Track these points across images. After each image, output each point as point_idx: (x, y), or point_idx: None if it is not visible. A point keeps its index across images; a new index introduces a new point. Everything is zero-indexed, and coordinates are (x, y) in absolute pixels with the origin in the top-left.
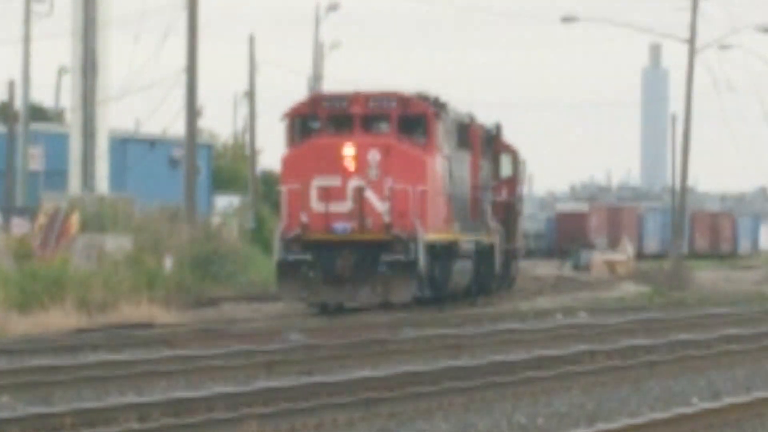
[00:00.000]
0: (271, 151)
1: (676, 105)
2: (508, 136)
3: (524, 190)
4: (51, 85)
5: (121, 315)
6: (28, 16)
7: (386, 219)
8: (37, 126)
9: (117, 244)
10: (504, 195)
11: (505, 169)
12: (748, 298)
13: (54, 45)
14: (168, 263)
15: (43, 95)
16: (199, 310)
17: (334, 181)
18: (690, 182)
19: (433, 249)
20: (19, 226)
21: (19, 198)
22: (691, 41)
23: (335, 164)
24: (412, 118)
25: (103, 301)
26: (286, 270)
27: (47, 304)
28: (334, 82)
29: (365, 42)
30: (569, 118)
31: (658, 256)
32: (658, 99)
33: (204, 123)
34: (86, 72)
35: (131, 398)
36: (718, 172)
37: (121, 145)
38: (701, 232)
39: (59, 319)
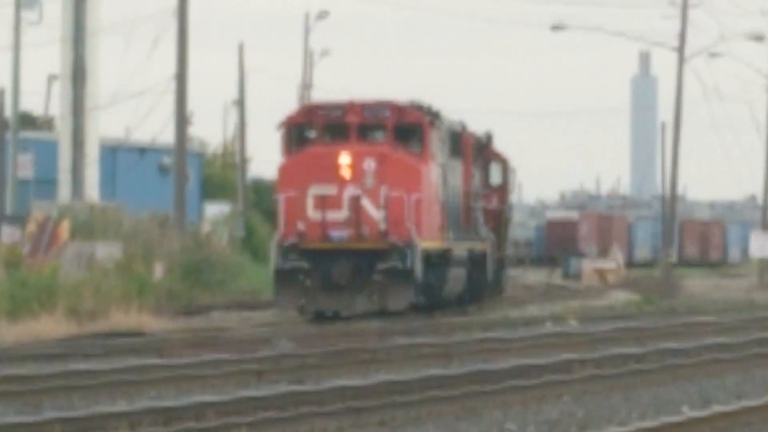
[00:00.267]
0: (262, 159)
1: (665, 113)
2: (498, 144)
3: (514, 198)
4: (41, 93)
5: (111, 323)
6: (18, 23)
7: (382, 227)
8: (27, 134)
9: (107, 251)
10: (494, 203)
11: (496, 177)
12: (737, 306)
13: (44, 53)
14: (159, 271)
15: (32, 103)
16: (189, 318)
17: (331, 190)
18: (680, 190)
19: (428, 257)
20: (9, 234)
21: (9, 206)
22: (681, 49)
23: (331, 173)
24: (407, 126)
25: (93, 309)
26: (283, 278)
27: (37, 312)
28: (324, 90)
29: (355, 50)
30: (558, 126)
31: (648, 264)
32: (647, 107)
33: (194, 131)
34: (76, 80)
35: (121, 406)
36: (707, 180)
37: (111, 152)
38: (691, 240)
39: (49, 326)
